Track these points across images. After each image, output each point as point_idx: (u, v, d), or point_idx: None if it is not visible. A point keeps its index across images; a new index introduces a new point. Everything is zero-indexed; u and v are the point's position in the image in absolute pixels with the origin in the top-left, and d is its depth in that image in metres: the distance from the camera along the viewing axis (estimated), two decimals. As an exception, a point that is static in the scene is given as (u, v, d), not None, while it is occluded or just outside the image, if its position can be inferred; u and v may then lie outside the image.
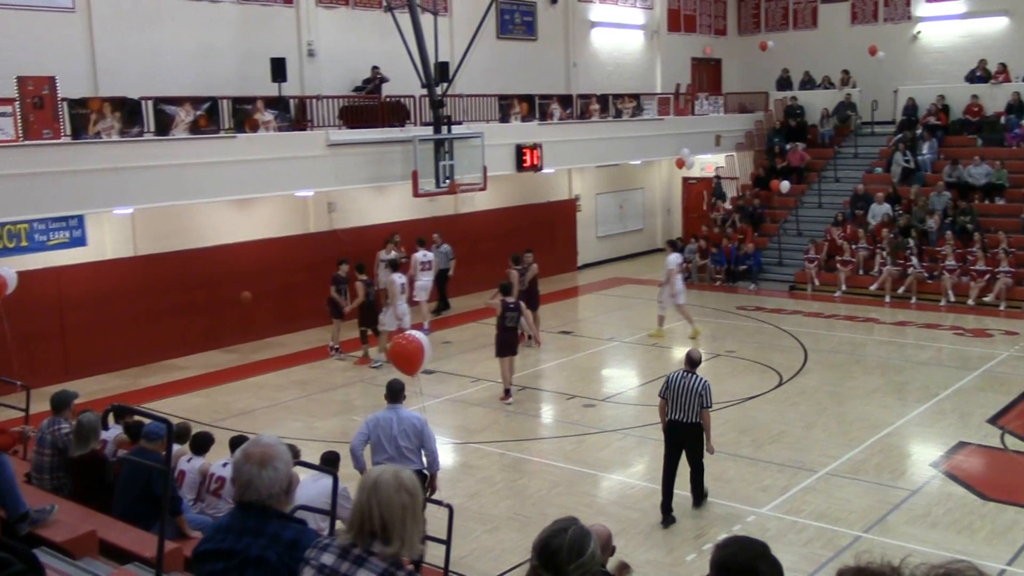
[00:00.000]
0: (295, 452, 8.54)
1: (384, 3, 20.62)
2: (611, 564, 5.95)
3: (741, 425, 13.35)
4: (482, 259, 22.36)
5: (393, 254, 19.38)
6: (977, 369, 16.32)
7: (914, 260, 22.21)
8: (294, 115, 18.63)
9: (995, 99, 26.38)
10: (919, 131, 26.46)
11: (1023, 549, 9.60)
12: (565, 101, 24.46)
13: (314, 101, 19.17)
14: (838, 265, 23.31)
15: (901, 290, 22.11)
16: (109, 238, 17.56)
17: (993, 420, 13.58)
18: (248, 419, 14.35)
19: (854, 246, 23.47)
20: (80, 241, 15.97)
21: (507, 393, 15.21)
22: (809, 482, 11.50)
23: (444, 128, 19.79)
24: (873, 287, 22.51)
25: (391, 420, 9.16)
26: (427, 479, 9.36)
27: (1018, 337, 18.48)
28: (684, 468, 10.68)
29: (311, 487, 8.06)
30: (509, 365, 15.25)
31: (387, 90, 20.83)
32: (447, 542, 8.02)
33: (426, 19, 19.59)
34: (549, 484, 11.73)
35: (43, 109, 14.66)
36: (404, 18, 19.13)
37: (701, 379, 10.36)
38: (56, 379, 15.08)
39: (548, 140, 22.71)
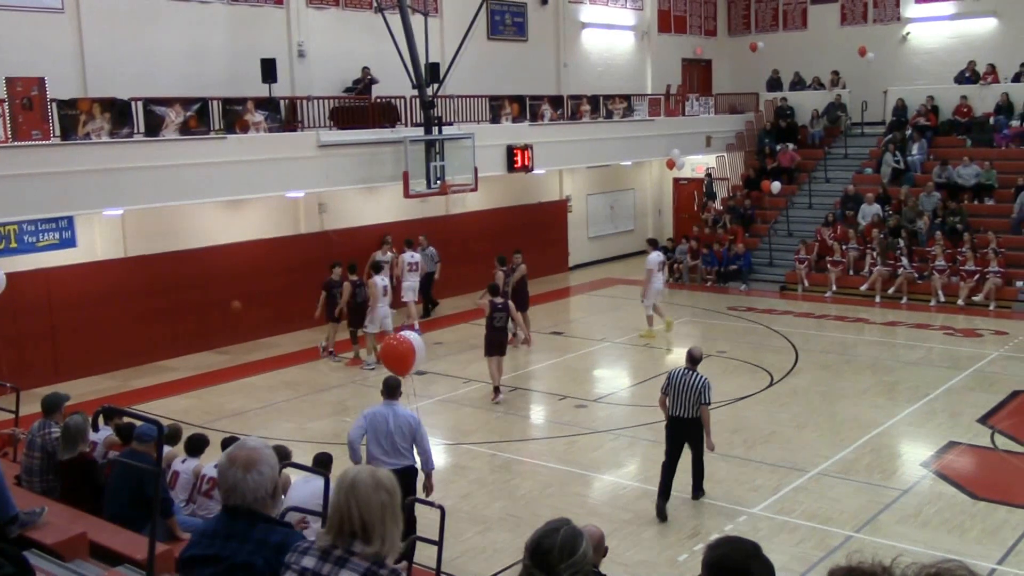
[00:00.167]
0: (286, 453, 8.55)
1: (374, 4, 20.60)
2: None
3: (732, 425, 13.36)
4: (473, 260, 22.36)
5: (389, 255, 19.41)
6: (967, 369, 16.37)
7: (904, 260, 22.28)
8: (284, 116, 18.61)
9: (984, 100, 26.49)
10: (909, 132, 26.55)
11: (1013, 548, 9.64)
12: (556, 102, 24.46)
13: (305, 102, 19.13)
14: (828, 265, 23.38)
15: (891, 290, 22.18)
16: (99, 239, 17.50)
17: (983, 420, 13.63)
18: (240, 420, 14.32)
19: (844, 246, 23.54)
20: (70, 242, 15.91)
21: (496, 391, 15.26)
22: (800, 482, 11.52)
23: (435, 129, 19.78)
24: (863, 287, 22.57)
25: (387, 416, 9.26)
26: (422, 477, 9.45)
27: (1007, 337, 18.55)
28: (684, 469, 10.71)
29: (303, 488, 8.05)
30: (497, 365, 15.31)
31: (377, 91, 20.82)
32: (439, 543, 8.01)
33: (416, 20, 19.57)
34: (541, 485, 11.73)
35: (32, 110, 14.60)
36: (394, 19, 19.10)
37: (702, 376, 10.54)
38: (46, 381, 15.04)
39: (539, 141, 22.72)
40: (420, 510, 9.07)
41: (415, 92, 19.80)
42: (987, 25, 28.40)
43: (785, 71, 30.52)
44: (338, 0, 21.47)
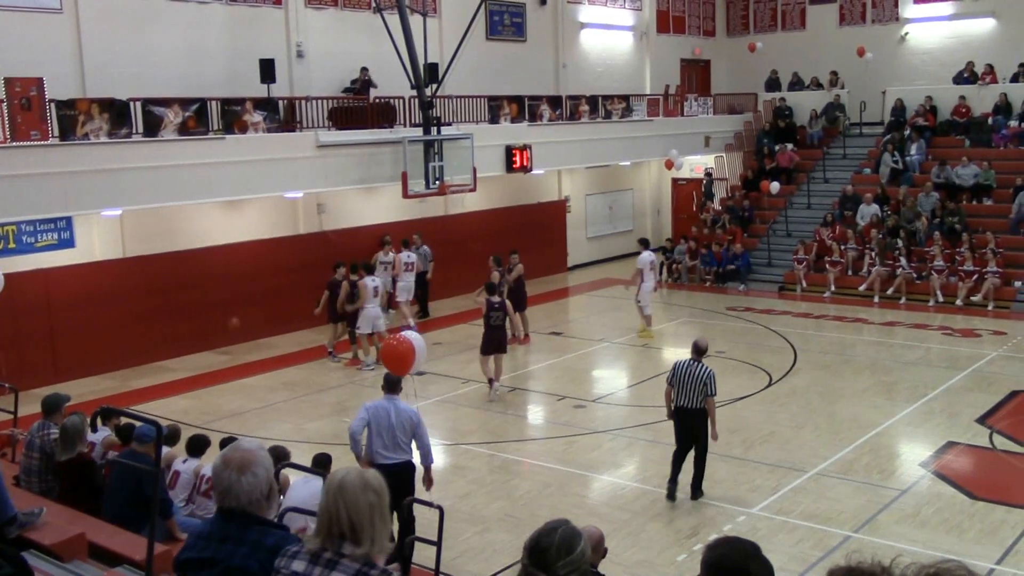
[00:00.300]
0: (285, 454, 8.56)
1: (373, 4, 20.61)
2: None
3: (731, 425, 13.35)
4: (472, 260, 22.33)
5: (391, 255, 19.41)
6: (965, 369, 16.38)
7: (903, 260, 22.29)
8: (283, 116, 18.60)
9: (982, 100, 26.51)
10: (907, 132, 26.56)
11: (1012, 548, 9.64)
12: (554, 102, 24.47)
13: (303, 102, 19.13)
14: (827, 266, 23.39)
15: (890, 291, 22.19)
16: (97, 240, 17.50)
17: (981, 420, 13.63)
18: (238, 421, 14.32)
19: (843, 247, 23.55)
20: (68, 243, 15.91)
21: (491, 383, 15.42)
22: (799, 482, 11.52)
23: (434, 129, 19.78)
24: (862, 288, 22.58)
25: (388, 410, 9.31)
26: (420, 473, 9.51)
27: (1006, 337, 18.57)
28: (686, 470, 10.73)
29: (302, 489, 8.05)
30: (496, 362, 15.45)
31: (376, 91, 20.81)
32: (438, 543, 8.01)
33: (415, 20, 19.58)
34: (540, 485, 11.73)
35: (31, 110, 14.60)
36: (393, 19, 19.11)
37: (706, 368, 10.75)
38: (45, 381, 15.06)
39: (538, 141, 22.72)
40: (419, 510, 9.07)
41: (414, 92, 19.80)
42: (985, 25, 28.42)
43: (784, 71, 30.53)
44: (337, 0, 21.47)
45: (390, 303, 19.29)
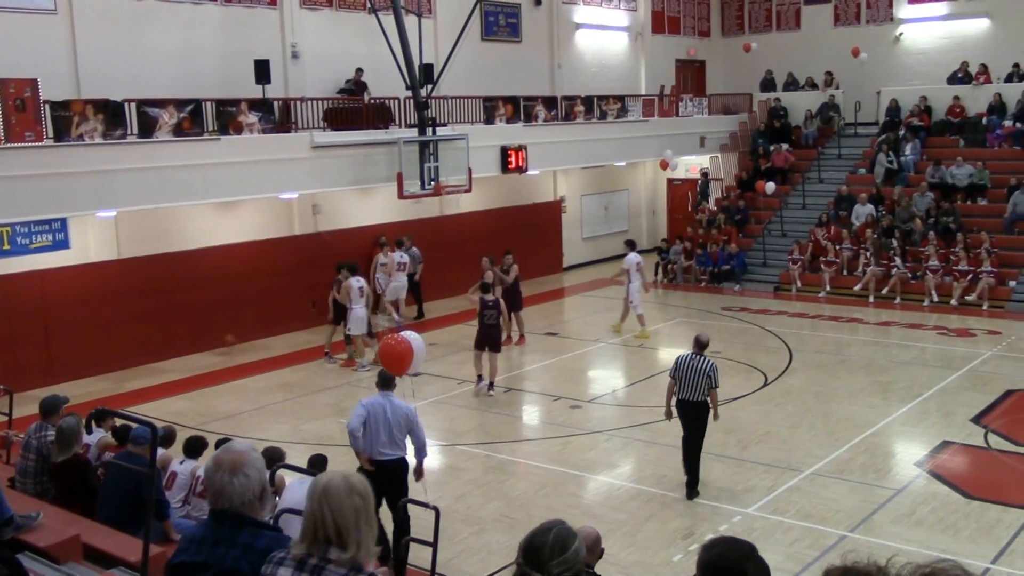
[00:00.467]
0: (280, 455, 8.56)
1: (368, 5, 20.60)
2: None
3: (727, 425, 13.35)
4: (468, 261, 22.28)
5: (389, 256, 19.42)
6: (960, 369, 16.41)
7: (897, 260, 22.33)
8: (278, 117, 18.58)
9: (977, 100, 26.56)
10: (902, 132, 26.61)
11: (1007, 548, 9.66)
12: (550, 103, 24.47)
13: (298, 103, 19.12)
14: (822, 266, 23.41)
15: (885, 290, 22.22)
16: (92, 241, 17.46)
17: (976, 419, 13.66)
18: (233, 422, 14.30)
19: (838, 247, 23.59)
20: (63, 244, 15.88)
21: (479, 379, 15.60)
22: (795, 482, 11.54)
23: (429, 130, 19.76)
24: (857, 287, 22.61)
25: (384, 406, 9.37)
26: (414, 467, 9.60)
27: (1001, 336, 18.60)
28: (680, 469, 10.73)
29: (298, 490, 8.03)
30: (490, 361, 15.56)
31: (371, 92, 20.79)
32: (434, 544, 8.01)
33: (410, 21, 19.55)
34: (535, 486, 11.73)
35: (25, 111, 14.57)
36: (388, 20, 19.11)
37: (709, 361, 10.95)
38: (39, 383, 15.03)
39: (533, 142, 22.72)
40: (415, 511, 9.06)
41: (409, 93, 19.79)
42: (980, 26, 28.46)
43: (779, 72, 30.56)
44: (332, 1, 21.46)
45: (377, 304, 19.30)
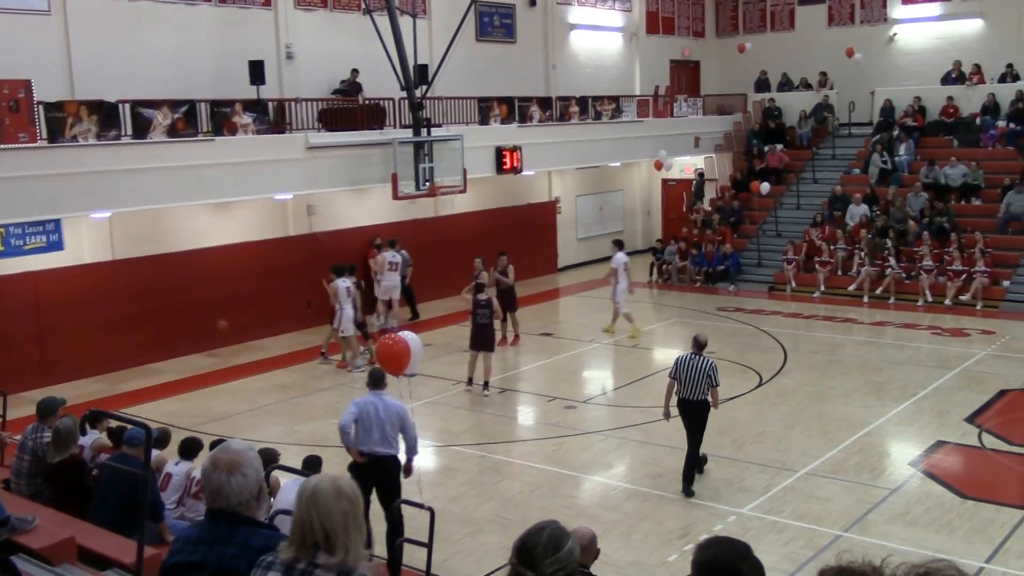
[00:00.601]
0: (275, 456, 8.55)
1: (363, 6, 20.58)
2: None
3: (722, 426, 13.37)
4: (463, 262, 22.27)
5: (384, 255, 19.44)
6: (955, 368, 16.44)
7: (892, 260, 22.36)
8: (273, 118, 18.56)
9: (970, 100, 26.62)
10: (896, 132, 26.66)
11: (1001, 547, 9.68)
12: (544, 103, 24.47)
13: (293, 104, 19.10)
14: (817, 266, 23.45)
15: (879, 290, 22.25)
16: (86, 242, 17.43)
17: (970, 419, 13.68)
18: (228, 423, 14.28)
19: (832, 247, 23.62)
20: (57, 245, 15.85)
21: (470, 381, 15.68)
22: (790, 482, 11.55)
23: (424, 131, 19.76)
24: (851, 287, 22.64)
25: (376, 405, 9.38)
26: (404, 464, 9.60)
27: (995, 336, 18.64)
28: (676, 469, 10.73)
29: (292, 491, 8.02)
30: (484, 361, 15.65)
31: (366, 93, 20.78)
32: (429, 545, 8.00)
33: (405, 21, 19.55)
34: (531, 486, 11.73)
35: (19, 112, 14.54)
36: (383, 20, 19.09)
37: (708, 360, 11.11)
38: (33, 384, 15.01)
39: (528, 142, 22.73)
40: (410, 512, 9.06)
41: (404, 94, 19.79)
42: (973, 26, 28.52)
43: (773, 72, 30.59)
44: (326, 2, 21.45)
45: (373, 305, 19.32)
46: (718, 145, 29.55)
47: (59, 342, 16.62)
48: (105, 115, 15.76)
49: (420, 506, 8.36)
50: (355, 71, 20.87)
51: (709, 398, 11.13)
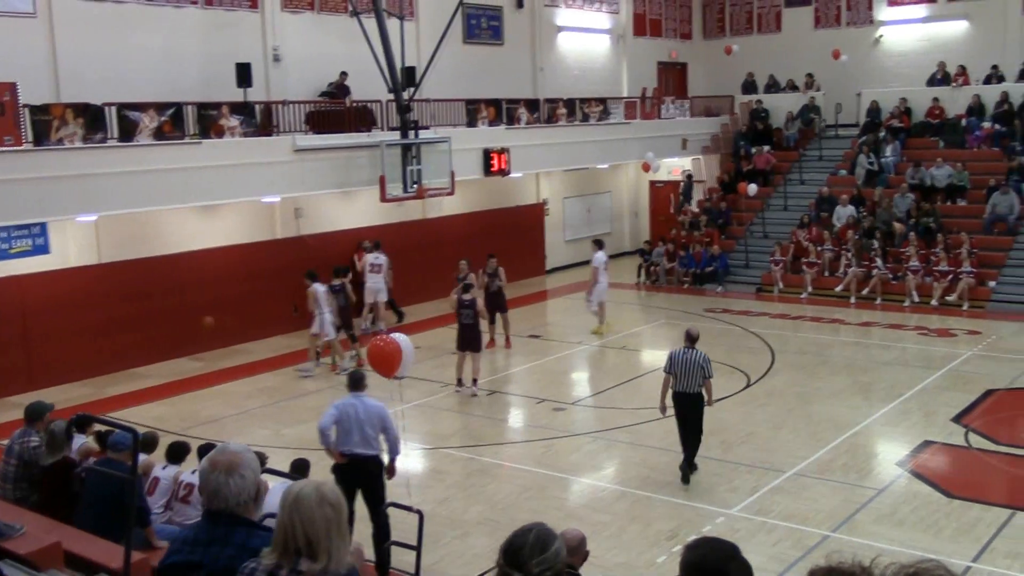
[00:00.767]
0: (263, 459, 8.51)
1: (350, 8, 20.55)
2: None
3: (710, 427, 13.32)
4: (451, 264, 22.23)
5: (365, 256, 19.40)
6: (941, 368, 16.51)
7: (878, 261, 22.44)
8: (260, 120, 18.52)
9: (956, 102, 26.75)
10: (882, 134, 26.77)
11: (987, 546, 9.72)
12: (532, 105, 24.48)
13: (280, 106, 19.05)
14: (804, 267, 23.51)
15: (866, 291, 22.33)
16: (72, 246, 17.34)
17: (957, 419, 13.74)
18: (215, 427, 14.23)
19: (819, 248, 23.69)
20: (43, 249, 15.80)
21: (459, 383, 15.73)
22: (777, 483, 11.58)
23: (411, 133, 19.74)
24: (838, 288, 22.71)
25: (355, 406, 9.38)
26: (387, 464, 9.60)
27: (981, 336, 18.72)
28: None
29: (279, 495, 8.00)
30: (473, 362, 15.76)
31: (354, 95, 20.74)
32: (417, 548, 7.99)
33: (392, 24, 19.52)
34: (519, 488, 11.72)
35: (4, 116, 14.46)
36: (370, 23, 19.06)
37: (701, 353, 11.48)
38: (19, 389, 14.93)
39: (515, 144, 22.73)
40: (399, 515, 9.05)
41: (391, 96, 19.76)
42: (958, 28, 28.67)
43: (760, 74, 30.69)
44: (313, 4, 21.41)
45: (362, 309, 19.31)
46: (705, 147, 29.61)
47: (45, 346, 16.53)
48: (91, 118, 15.69)
49: (409, 509, 8.35)
50: (344, 74, 20.84)
51: (703, 391, 11.41)
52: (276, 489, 8.18)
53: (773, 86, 30.48)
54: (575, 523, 9.03)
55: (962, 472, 12.27)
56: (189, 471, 8.89)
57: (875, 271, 22.35)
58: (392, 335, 11.05)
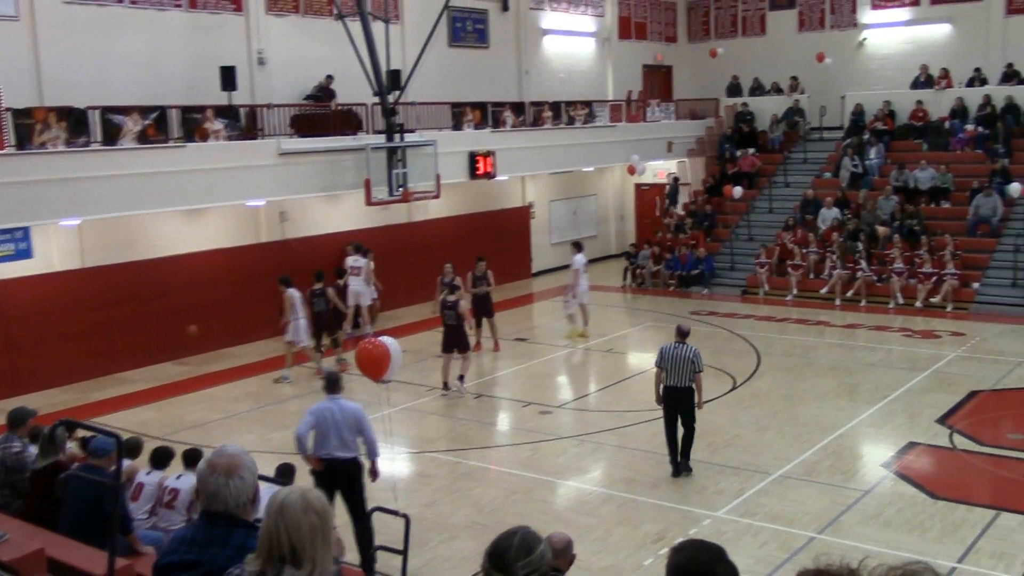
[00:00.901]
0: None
1: (335, 11, 20.51)
2: None
3: (697, 429, 13.40)
4: (436, 267, 22.17)
5: (346, 259, 19.35)
6: (926, 370, 16.57)
7: (863, 263, 22.52)
8: (244, 124, 18.46)
9: (939, 104, 26.90)
10: (866, 136, 26.89)
11: (972, 547, 9.76)
12: (518, 108, 24.49)
13: (265, 110, 19.01)
14: (789, 269, 23.58)
15: (851, 293, 22.40)
16: (56, 250, 17.24)
17: (942, 420, 13.79)
18: (201, 432, 14.16)
19: (804, 250, 23.76)
20: (26, 253, 15.71)
21: (445, 386, 15.77)
22: (763, 485, 11.60)
23: (397, 136, 19.73)
24: (823, 290, 22.78)
25: (332, 410, 9.38)
26: (367, 467, 9.62)
27: (965, 338, 18.81)
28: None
29: (265, 499, 7.96)
30: (463, 362, 15.87)
31: (339, 98, 20.71)
32: (404, 552, 7.96)
33: (377, 27, 19.50)
34: (506, 492, 11.71)
35: (-14, 119, 14.39)
36: (355, 26, 19.04)
37: (692, 348, 11.70)
38: (1, 395, 14.82)
39: (501, 147, 22.73)
40: (385, 519, 9.01)
41: (376, 99, 19.74)
42: (941, 31, 28.83)
43: (745, 77, 30.79)
44: (298, 7, 21.37)
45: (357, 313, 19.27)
46: (691, 149, 29.69)
47: (27, 351, 16.42)
48: (74, 122, 15.62)
49: (395, 513, 8.32)
50: (330, 77, 20.80)
51: (694, 385, 11.57)
52: (263, 494, 8.16)
53: (758, 89, 30.58)
54: (561, 526, 9.03)
55: (947, 473, 12.32)
56: (174, 476, 8.85)
57: (860, 273, 22.43)
58: (381, 338, 11.02)
